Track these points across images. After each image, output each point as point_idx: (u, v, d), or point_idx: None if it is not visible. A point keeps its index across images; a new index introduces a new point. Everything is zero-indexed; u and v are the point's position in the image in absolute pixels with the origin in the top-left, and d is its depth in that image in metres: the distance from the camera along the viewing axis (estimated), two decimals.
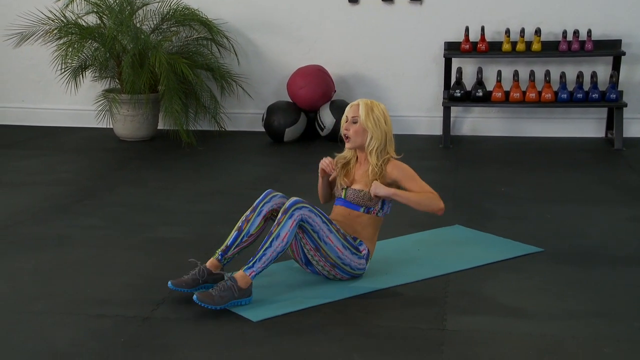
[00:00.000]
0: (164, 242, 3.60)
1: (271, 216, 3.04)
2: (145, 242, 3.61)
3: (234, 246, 3.00)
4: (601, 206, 4.11)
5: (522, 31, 5.52)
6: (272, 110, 5.68)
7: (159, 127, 5.89)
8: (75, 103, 6.13)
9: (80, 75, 5.73)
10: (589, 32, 5.46)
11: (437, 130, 5.78)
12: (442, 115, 5.66)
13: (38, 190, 4.48)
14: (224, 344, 2.61)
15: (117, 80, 5.83)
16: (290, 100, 5.75)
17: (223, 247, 3.02)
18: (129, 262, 3.36)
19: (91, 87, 5.98)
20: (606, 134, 5.71)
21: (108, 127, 5.88)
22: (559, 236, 3.63)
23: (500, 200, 4.23)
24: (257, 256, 2.85)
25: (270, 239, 2.85)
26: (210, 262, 3.00)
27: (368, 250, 3.11)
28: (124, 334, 2.66)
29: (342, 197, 3.15)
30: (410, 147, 5.86)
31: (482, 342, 2.60)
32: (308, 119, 5.76)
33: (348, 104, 5.82)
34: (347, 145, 3.16)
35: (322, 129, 5.65)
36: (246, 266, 2.86)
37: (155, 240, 3.63)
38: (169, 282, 2.94)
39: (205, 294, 2.80)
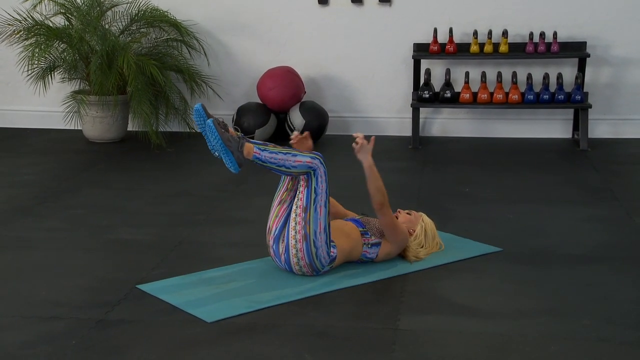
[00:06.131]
0: (124, 244, 3.59)
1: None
2: (106, 244, 3.60)
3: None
4: (562, 206, 4.15)
5: (490, 33, 5.56)
6: (242, 111, 5.68)
7: (128, 129, 5.87)
8: (44, 104, 6.09)
9: (49, 77, 5.70)
10: (555, 34, 5.51)
11: (407, 132, 5.80)
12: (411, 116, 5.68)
13: (0, 192, 4.45)
14: (177, 345, 2.61)
15: (86, 82, 5.80)
16: (261, 102, 5.76)
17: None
18: (87, 264, 3.36)
19: (60, 88, 5.95)
20: (573, 134, 5.77)
21: (77, 128, 5.85)
22: (518, 236, 3.67)
23: (463, 201, 4.25)
24: (270, 149, 3.01)
25: (288, 152, 3.02)
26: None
27: (336, 256, 3.15)
28: (76, 336, 2.65)
29: (357, 218, 3.32)
30: (379, 149, 5.88)
31: (433, 341, 2.63)
32: (278, 120, 5.77)
33: (318, 105, 5.90)
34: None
35: (292, 130, 5.66)
36: (258, 145, 3.01)
37: (115, 242, 3.62)
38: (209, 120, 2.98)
39: (218, 126, 2.95)
